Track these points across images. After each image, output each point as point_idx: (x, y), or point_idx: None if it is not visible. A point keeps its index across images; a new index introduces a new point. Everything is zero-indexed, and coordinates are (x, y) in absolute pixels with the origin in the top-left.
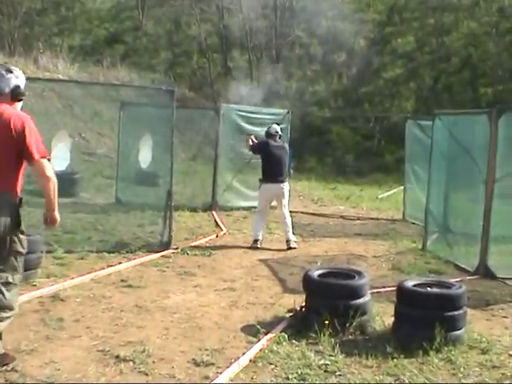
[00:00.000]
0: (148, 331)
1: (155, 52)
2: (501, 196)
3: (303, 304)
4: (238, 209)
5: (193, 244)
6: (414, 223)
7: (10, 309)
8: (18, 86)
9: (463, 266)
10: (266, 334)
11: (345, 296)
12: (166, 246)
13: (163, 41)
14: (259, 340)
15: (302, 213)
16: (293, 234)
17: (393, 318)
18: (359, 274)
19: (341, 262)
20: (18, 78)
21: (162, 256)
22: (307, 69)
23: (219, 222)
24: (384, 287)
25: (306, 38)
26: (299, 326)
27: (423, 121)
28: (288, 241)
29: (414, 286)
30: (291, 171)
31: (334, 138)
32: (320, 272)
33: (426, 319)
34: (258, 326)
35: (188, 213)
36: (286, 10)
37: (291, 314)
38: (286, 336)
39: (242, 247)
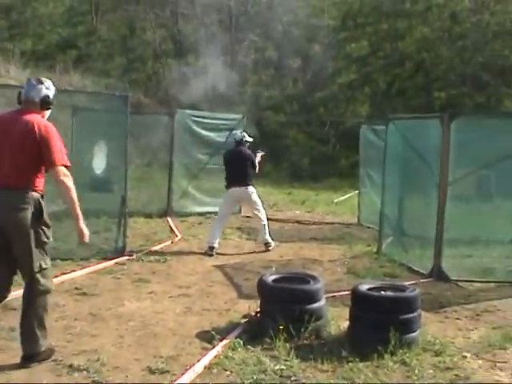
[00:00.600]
0: (102, 339)
1: (109, 57)
2: (454, 199)
3: (258, 309)
4: (194, 214)
5: (148, 250)
6: (369, 227)
7: (47, 292)
8: (47, 96)
9: (417, 269)
10: (221, 340)
11: (300, 301)
12: (120, 252)
13: (117, 46)
14: (214, 346)
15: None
16: (268, 242)
17: (348, 322)
18: (314, 278)
19: (296, 266)
20: (47, 89)
21: (117, 263)
22: (262, 73)
23: (174, 228)
24: (339, 291)
25: (261, 42)
26: (254, 331)
27: (377, 125)
28: (266, 243)
29: (369, 289)
30: None
31: (289, 143)
32: (275, 277)
33: (380, 322)
34: (213, 332)
35: (143, 219)
36: (240, 15)
37: (246, 319)
38: (241, 342)
39: (197, 253)
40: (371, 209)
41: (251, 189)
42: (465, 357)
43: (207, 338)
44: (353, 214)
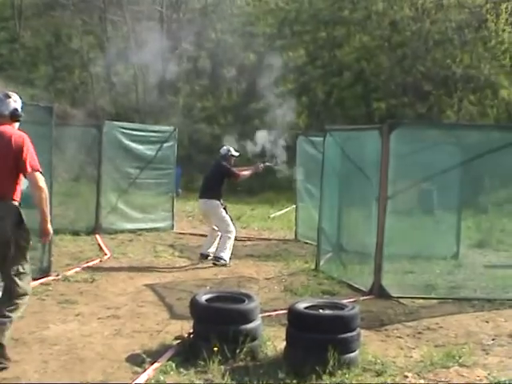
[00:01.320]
0: (25, 365)
1: (34, 66)
2: (394, 213)
3: (191, 330)
4: (124, 231)
5: (75, 270)
6: (306, 243)
7: (25, 294)
8: (16, 109)
9: (357, 285)
10: (153, 364)
11: (234, 321)
12: (45, 272)
13: (42, 54)
14: (145, 370)
15: (191, 234)
16: (218, 256)
17: (285, 343)
18: (249, 297)
19: (231, 285)
20: (15, 102)
21: (42, 284)
22: (195, 83)
23: (103, 246)
24: (275, 310)
25: (194, 51)
26: (187, 353)
27: (315, 137)
28: (216, 257)
29: (306, 308)
30: (179, 190)
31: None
32: (208, 296)
33: (318, 342)
34: (144, 355)
35: (70, 236)
36: (172, 22)
37: (179, 341)
38: (174, 365)
39: (127, 272)
40: (309, 224)
41: (214, 202)
42: (406, 376)
43: (137, 361)
44: (290, 230)
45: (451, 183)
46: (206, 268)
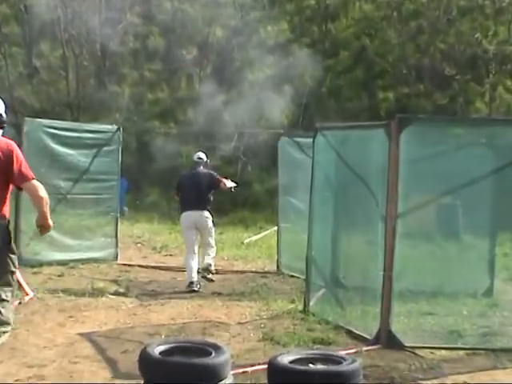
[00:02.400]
0: None
1: None
2: (406, 237)
3: None
4: (51, 263)
5: None
6: (292, 276)
7: (8, 323)
8: (0, 115)
9: (359, 332)
10: None
11: (197, 379)
12: None
13: None
14: None
15: (140, 266)
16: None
17: None
18: (217, 348)
19: (193, 332)
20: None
21: None
22: (145, 68)
23: (23, 284)
24: (252, 365)
25: (144, 26)
26: None
27: (302, 138)
28: (205, 269)
29: (292, 362)
30: (124, 209)
31: (182, 163)
32: (164, 348)
33: None
34: None
35: None
36: None
37: None
38: None
39: (56, 317)
40: (295, 251)
41: (207, 214)
42: None
43: None
44: (271, 259)
45: (481, 197)
46: (159, 310)
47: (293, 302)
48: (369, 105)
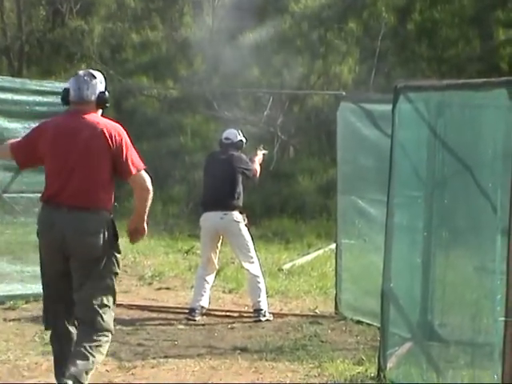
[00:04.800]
0: None
1: None
2: None
3: None
4: None
5: None
6: (359, 321)
7: (109, 331)
8: (103, 93)
9: None
10: None
11: None
12: None
13: None
14: None
15: (119, 305)
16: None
17: None
18: None
19: None
20: (101, 84)
21: None
22: None
23: None
24: None
25: None
26: None
27: (375, 103)
28: (256, 310)
29: None
30: None
31: (187, 143)
32: None
33: None
34: None
35: None
36: None
37: None
38: None
39: None
40: (364, 283)
41: (236, 216)
42: None
43: None
44: (325, 295)
45: None
46: (149, 375)
47: (360, 363)
48: (482, 51)
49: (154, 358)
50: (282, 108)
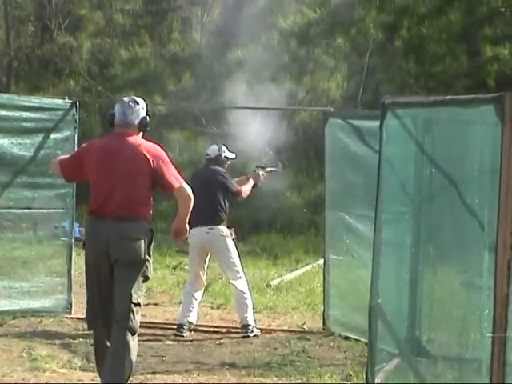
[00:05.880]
0: None
1: None
2: None
3: None
4: None
5: None
6: (347, 337)
7: (136, 332)
8: (144, 117)
9: None
10: None
11: None
12: None
13: None
14: None
15: None
16: (246, 324)
17: None
18: None
19: None
20: (143, 109)
21: None
22: (115, 8)
23: None
24: None
25: None
26: None
27: (363, 119)
28: (244, 326)
29: None
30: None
31: (175, 158)
32: None
33: None
34: None
35: None
36: None
37: None
38: None
39: None
40: (352, 299)
41: (222, 230)
42: None
43: None
44: (312, 311)
45: None
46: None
47: (348, 378)
48: (469, 67)
49: (141, 374)
50: (270, 124)
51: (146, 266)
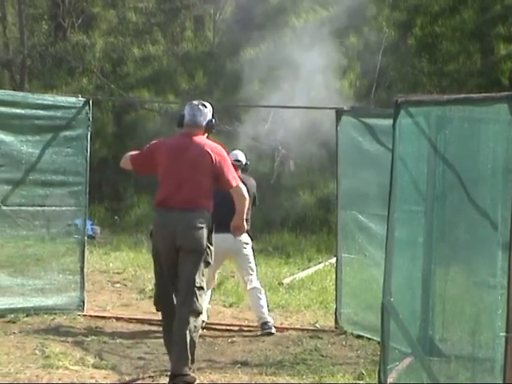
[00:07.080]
0: None
1: None
2: None
3: None
4: None
5: None
6: (359, 336)
7: (200, 313)
8: (211, 120)
9: None
10: None
11: None
12: None
13: None
14: None
15: (120, 319)
16: (265, 322)
17: None
18: None
19: None
20: (210, 112)
21: None
22: (128, 7)
23: None
24: None
25: None
26: None
27: (375, 118)
28: (263, 323)
29: None
30: (95, 229)
31: None
32: None
33: None
34: None
35: None
36: None
37: None
38: None
39: None
40: (364, 297)
41: (245, 237)
42: None
43: None
44: (325, 310)
45: None
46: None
47: (360, 377)
48: (482, 66)
49: (154, 372)
50: (282, 122)
51: (208, 253)
